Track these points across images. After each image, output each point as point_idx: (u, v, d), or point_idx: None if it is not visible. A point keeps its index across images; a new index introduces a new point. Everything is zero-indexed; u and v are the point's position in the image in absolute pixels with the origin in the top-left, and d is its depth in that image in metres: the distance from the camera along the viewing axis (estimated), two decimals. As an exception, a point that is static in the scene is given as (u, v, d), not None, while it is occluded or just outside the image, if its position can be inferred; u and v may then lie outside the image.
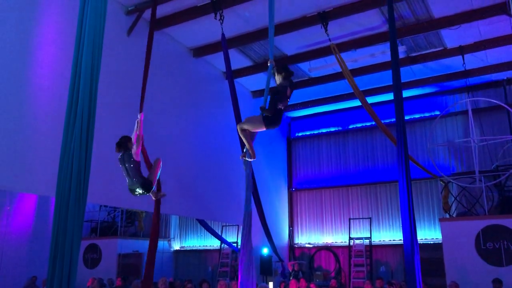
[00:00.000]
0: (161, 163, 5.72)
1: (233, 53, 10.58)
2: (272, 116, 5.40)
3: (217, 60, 11.38)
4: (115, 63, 8.53)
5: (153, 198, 6.06)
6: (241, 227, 14.73)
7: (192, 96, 11.10)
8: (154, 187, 5.81)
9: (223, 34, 8.73)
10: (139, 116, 5.80)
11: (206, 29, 9.93)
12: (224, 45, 8.78)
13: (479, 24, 9.77)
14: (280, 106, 5.42)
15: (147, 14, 9.18)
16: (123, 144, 5.49)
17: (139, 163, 5.50)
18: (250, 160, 5.58)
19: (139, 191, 5.49)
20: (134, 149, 5.44)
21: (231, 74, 8.76)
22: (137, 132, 5.63)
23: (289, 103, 14.98)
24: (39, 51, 7.48)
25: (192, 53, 11.19)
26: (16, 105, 7.01)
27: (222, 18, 8.71)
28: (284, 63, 5.71)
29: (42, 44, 7.55)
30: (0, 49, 6.86)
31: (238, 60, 11.39)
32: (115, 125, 7.76)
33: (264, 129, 5.48)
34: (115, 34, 8.71)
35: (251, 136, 5.63)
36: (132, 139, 5.57)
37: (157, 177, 5.74)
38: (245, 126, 5.51)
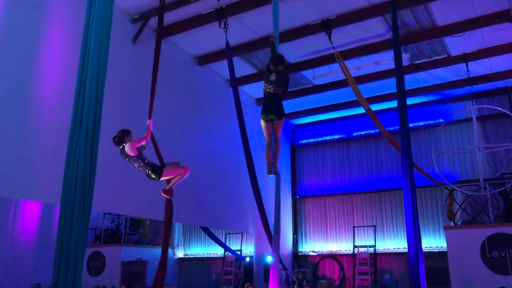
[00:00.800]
0: (187, 174, 5.77)
1: (237, 60, 10.62)
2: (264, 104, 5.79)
3: (221, 67, 11.43)
4: (121, 70, 8.59)
5: (162, 194, 6.05)
6: (245, 235, 14.84)
7: (196, 103, 11.14)
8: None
9: (227, 42, 8.77)
10: (147, 122, 5.82)
11: (211, 37, 10.00)
12: (228, 53, 8.80)
13: (483, 32, 9.78)
14: (268, 89, 5.71)
15: (152, 22, 9.25)
16: (119, 138, 5.51)
17: (138, 155, 5.50)
18: (271, 175, 5.91)
19: (153, 176, 5.56)
20: (127, 146, 5.41)
21: (235, 82, 8.78)
22: (144, 135, 5.65)
23: (292, 111, 14.75)
24: (45, 59, 7.54)
25: (196, 61, 11.25)
26: (21, 113, 7.06)
27: (226, 26, 8.76)
28: (278, 53, 5.88)
29: (48, 52, 7.61)
30: (6, 57, 6.93)
31: (242, 68, 11.44)
32: (120, 133, 7.78)
33: (269, 123, 5.78)
34: (120, 42, 8.79)
35: (274, 151, 6.10)
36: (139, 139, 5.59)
37: (175, 180, 5.74)
38: (265, 137, 5.89)
